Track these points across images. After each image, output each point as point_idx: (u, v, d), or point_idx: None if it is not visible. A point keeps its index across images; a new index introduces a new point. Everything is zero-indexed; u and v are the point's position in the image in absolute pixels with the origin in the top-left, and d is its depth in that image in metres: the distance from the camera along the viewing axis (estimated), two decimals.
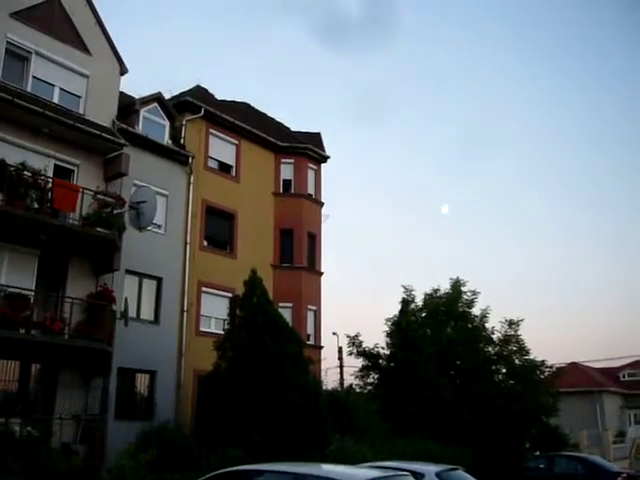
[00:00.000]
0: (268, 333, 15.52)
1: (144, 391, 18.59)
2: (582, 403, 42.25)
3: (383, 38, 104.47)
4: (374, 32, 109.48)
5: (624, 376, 51.66)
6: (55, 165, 16.11)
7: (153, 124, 19.97)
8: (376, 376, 24.07)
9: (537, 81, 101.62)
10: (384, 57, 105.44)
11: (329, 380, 31.79)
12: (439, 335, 24.02)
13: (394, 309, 24.08)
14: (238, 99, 25.00)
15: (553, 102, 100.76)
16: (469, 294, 25.46)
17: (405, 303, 24.17)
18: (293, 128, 26.55)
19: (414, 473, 9.38)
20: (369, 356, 24.13)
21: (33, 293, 14.88)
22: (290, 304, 22.38)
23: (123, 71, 18.57)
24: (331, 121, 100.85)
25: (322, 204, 25.49)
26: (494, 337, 25.06)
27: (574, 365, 43.66)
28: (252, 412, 14.51)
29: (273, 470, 8.22)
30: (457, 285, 25.58)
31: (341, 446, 16.05)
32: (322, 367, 24.68)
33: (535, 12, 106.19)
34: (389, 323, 23.87)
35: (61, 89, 16.93)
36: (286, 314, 19.12)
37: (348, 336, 24.50)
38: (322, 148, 25.97)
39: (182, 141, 20.85)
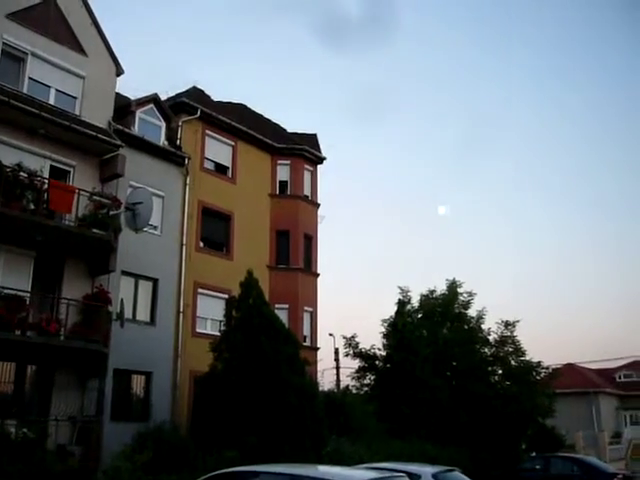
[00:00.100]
0: (264, 334, 15.48)
1: (140, 392, 18.55)
2: (578, 404, 42.38)
3: (383, 38, 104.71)
4: (374, 32, 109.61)
5: (620, 377, 51.86)
6: (51, 166, 16.07)
7: (149, 125, 19.96)
8: (372, 377, 24.07)
9: (537, 81, 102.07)
10: (384, 57, 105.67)
11: (325, 381, 31.84)
12: (435, 336, 24.06)
13: (390, 310, 24.13)
14: (235, 100, 24.99)
15: (553, 102, 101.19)
16: (465, 295, 25.58)
17: (401, 304, 24.14)
18: (292, 128, 26.57)
19: (410, 474, 9.40)
20: (365, 357, 24.14)
21: (29, 294, 14.87)
22: (286, 305, 22.38)
23: (119, 72, 18.55)
24: (330, 121, 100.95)
25: (318, 205, 25.49)
26: (490, 338, 25.14)
27: (570, 366, 43.78)
28: (248, 413, 14.48)
29: (269, 471, 8.23)
30: (453, 286, 25.64)
31: (337, 447, 16.05)
32: (318, 368, 24.65)
33: (535, 12, 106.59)
34: (385, 324, 23.86)
35: (57, 90, 16.88)
36: (282, 315, 19.07)
37: (344, 337, 24.60)
38: (318, 149, 25.98)
39: (178, 142, 20.85)
